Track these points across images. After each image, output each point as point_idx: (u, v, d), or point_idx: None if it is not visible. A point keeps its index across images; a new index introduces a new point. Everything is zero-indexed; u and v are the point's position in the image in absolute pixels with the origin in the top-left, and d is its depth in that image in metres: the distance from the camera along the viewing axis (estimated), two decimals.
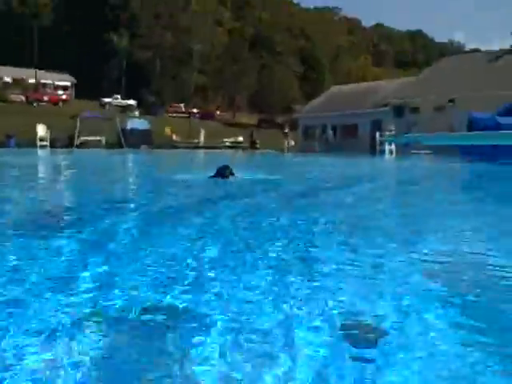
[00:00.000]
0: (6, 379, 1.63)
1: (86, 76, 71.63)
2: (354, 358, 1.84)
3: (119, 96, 71.62)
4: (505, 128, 19.41)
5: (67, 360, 1.76)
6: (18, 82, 69.50)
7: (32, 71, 69.21)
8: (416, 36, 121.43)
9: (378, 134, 33.12)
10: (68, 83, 75.35)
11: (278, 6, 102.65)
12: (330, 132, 38.95)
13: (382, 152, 30.70)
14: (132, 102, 70.79)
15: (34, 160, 21.70)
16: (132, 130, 39.31)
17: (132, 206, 6.30)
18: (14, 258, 3.24)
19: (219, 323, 2.11)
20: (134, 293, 2.52)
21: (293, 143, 39.89)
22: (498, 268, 3.16)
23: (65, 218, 5.09)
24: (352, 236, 4.21)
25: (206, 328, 2.05)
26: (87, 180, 11.19)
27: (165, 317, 2.19)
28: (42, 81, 71.49)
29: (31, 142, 33.95)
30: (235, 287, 2.64)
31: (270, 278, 2.79)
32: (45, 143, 34.41)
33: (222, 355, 1.82)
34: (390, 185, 11.71)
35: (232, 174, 9.12)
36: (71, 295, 2.45)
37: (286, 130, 39.18)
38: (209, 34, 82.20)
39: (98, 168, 17.20)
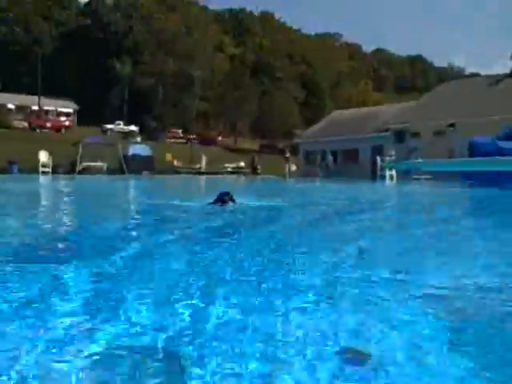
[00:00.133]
0: None
1: (89, 102, 72.25)
2: None
3: (121, 122, 72.07)
4: (506, 152, 19.52)
5: None
6: (21, 109, 70.07)
7: (35, 98, 69.74)
8: (416, 61, 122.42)
9: (378, 159, 33.22)
10: (71, 110, 75.94)
11: (279, 33, 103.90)
12: (330, 157, 39.11)
13: (383, 177, 30.76)
14: (134, 128, 71.18)
15: (36, 186, 21.80)
16: (134, 155, 39.45)
17: (125, 237, 5.97)
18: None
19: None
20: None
21: (294, 168, 39.96)
22: None
23: (57, 247, 4.99)
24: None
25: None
26: (87, 207, 11.08)
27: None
28: (45, 107, 72.02)
29: (33, 169, 34.04)
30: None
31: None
32: (47, 169, 34.48)
33: None
34: (400, 211, 11.52)
35: (232, 201, 8.75)
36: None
37: (288, 155, 39.28)
38: (210, 60, 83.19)
39: (99, 194, 17.17)
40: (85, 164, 36.95)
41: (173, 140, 69.70)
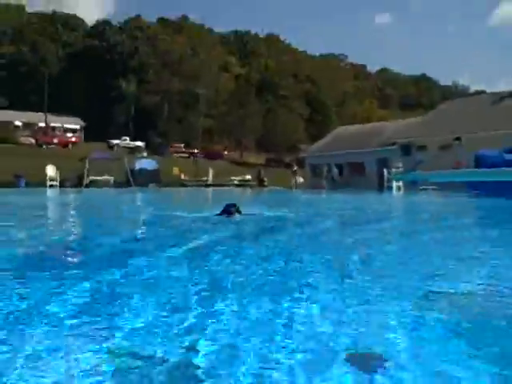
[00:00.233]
0: None
1: (95, 119, 72.97)
2: None
3: (128, 138, 72.64)
4: None
5: None
6: (28, 126, 70.71)
7: (42, 115, 70.41)
8: (420, 80, 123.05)
9: (385, 171, 33.31)
10: (77, 126, 76.62)
11: (284, 54, 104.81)
12: (336, 170, 39.28)
13: (390, 188, 30.80)
14: (140, 143, 71.84)
15: (48, 199, 21.91)
16: (140, 169, 39.68)
17: (131, 247, 5.78)
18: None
19: None
20: None
21: (301, 180, 40.26)
22: None
23: (68, 258, 4.94)
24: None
25: None
26: (96, 218, 11.04)
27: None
28: (52, 124, 72.65)
29: (41, 183, 34.18)
30: None
31: None
32: (54, 183, 34.60)
33: None
34: (412, 220, 11.30)
35: (239, 212, 8.61)
36: None
37: (295, 169, 39.62)
38: (215, 80, 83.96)
39: (111, 206, 17.20)
40: (92, 178, 37.11)
41: (178, 155, 70.36)
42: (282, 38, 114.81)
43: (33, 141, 65.65)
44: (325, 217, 11.39)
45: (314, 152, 48.22)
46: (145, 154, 62.86)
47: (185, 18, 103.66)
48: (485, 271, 4.12)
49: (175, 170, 45.37)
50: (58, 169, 35.55)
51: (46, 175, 34.77)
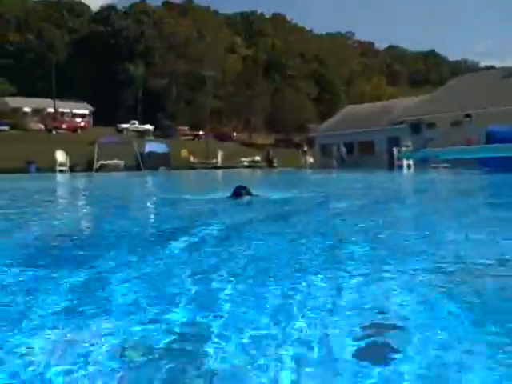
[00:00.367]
0: None
1: (104, 104, 72.94)
2: None
3: (136, 121, 72.70)
4: None
5: None
6: (36, 112, 70.95)
7: (50, 101, 70.56)
8: (429, 56, 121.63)
9: (395, 149, 33.20)
10: (86, 111, 76.76)
11: (291, 33, 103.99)
12: (344, 149, 39.11)
13: (400, 167, 30.68)
14: (149, 126, 71.90)
15: (57, 183, 22.02)
16: (150, 153, 39.67)
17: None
18: None
19: None
20: None
21: (311, 160, 40.19)
22: None
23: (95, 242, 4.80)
24: None
25: None
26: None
27: None
28: (61, 109, 72.82)
29: (51, 168, 34.32)
30: None
31: None
32: (64, 168, 34.73)
33: None
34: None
35: (249, 194, 8.37)
36: None
37: (305, 149, 39.53)
38: (221, 62, 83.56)
39: (120, 189, 17.26)
40: (102, 162, 37.20)
41: (186, 137, 70.63)
42: (288, 17, 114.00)
43: (42, 126, 65.94)
44: (352, 196, 10.88)
45: (323, 131, 48.13)
46: (152, 138, 62.81)
47: (190, 0, 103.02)
48: None
49: (184, 153, 45.29)
50: (67, 154, 35.62)
51: (56, 161, 34.88)
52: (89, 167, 36.67)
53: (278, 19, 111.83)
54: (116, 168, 37.06)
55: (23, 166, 36.35)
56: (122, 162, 38.23)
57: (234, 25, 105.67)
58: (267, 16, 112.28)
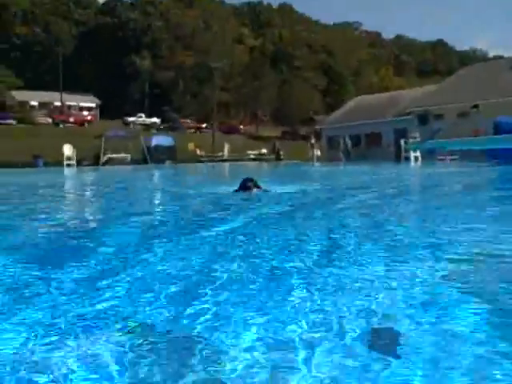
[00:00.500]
0: None
1: (110, 97, 72.98)
2: None
3: (143, 115, 72.65)
4: None
5: None
6: (44, 105, 71.07)
7: (57, 94, 70.61)
8: (437, 45, 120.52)
9: (402, 141, 32.94)
10: (93, 104, 76.81)
11: (298, 24, 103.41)
12: (349, 142, 38.91)
13: (407, 159, 30.43)
14: (156, 119, 71.83)
15: (64, 178, 22.05)
16: (157, 146, 39.67)
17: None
18: None
19: None
20: None
21: (319, 153, 40.04)
22: None
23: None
24: None
25: None
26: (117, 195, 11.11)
27: None
28: (67, 103, 72.92)
29: (58, 162, 34.36)
30: None
31: None
32: (71, 162, 34.78)
33: None
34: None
35: (257, 187, 8.33)
36: None
37: (313, 141, 39.30)
38: (229, 53, 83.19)
39: (126, 183, 17.25)
40: (108, 156, 37.23)
41: (192, 130, 70.64)
42: (295, 7, 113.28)
43: (49, 120, 66.03)
44: (365, 190, 10.84)
45: (330, 123, 47.85)
46: (158, 131, 62.77)
47: None
48: None
49: (190, 146, 45.21)
50: (74, 147, 35.62)
51: (63, 155, 34.93)
52: (96, 161, 36.70)
53: (284, 9, 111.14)
54: (123, 161, 37.06)
55: (30, 160, 36.46)
56: (128, 156, 38.23)
57: (241, 15, 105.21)
58: (274, 6, 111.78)
